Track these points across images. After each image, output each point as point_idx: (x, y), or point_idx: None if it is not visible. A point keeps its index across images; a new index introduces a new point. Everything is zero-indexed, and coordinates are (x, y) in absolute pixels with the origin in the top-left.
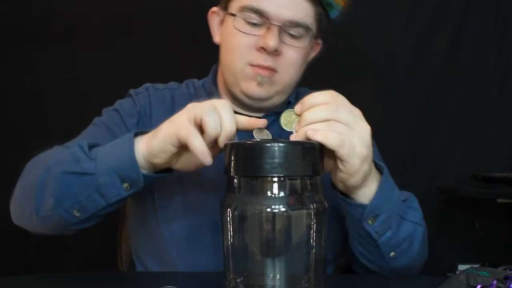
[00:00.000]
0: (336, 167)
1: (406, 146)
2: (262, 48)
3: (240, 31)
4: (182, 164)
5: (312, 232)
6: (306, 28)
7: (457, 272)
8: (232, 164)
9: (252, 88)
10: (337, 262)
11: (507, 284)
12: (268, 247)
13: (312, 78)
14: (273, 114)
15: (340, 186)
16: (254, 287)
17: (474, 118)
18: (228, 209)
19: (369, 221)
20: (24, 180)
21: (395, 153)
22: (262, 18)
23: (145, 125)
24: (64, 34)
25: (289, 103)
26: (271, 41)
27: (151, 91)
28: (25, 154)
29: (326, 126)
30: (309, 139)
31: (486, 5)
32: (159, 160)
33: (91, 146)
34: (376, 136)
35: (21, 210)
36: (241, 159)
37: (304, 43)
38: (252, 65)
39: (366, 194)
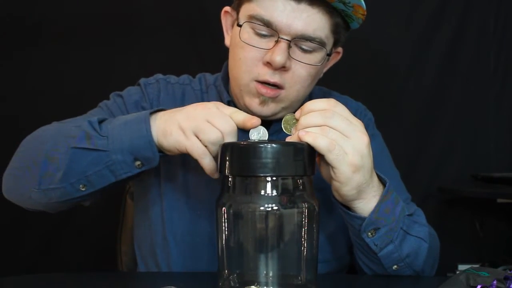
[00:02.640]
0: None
1: (406, 146)
2: (269, 63)
3: (247, 43)
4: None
5: (303, 230)
6: (320, 42)
7: (457, 272)
8: (226, 164)
9: (255, 106)
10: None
11: (507, 284)
12: (261, 244)
13: None
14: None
15: (336, 195)
16: (247, 284)
17: (474, 118)
18: (223, 208)
19: (369, 233)
20: (23, 153)
21: (395, 153)
22: (271, 31)
23: None
24: (64, 34)
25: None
26: (278, 57)
27: (162, 84)
28: None
29: (319, 130)
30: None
31: (486, 5)
32: (168, 152)
33: (100, 122)
34: None
35: (18, 183)
36: (236, 159)
37: (315, 58)
38: (257, 81)
39: (365, 206)
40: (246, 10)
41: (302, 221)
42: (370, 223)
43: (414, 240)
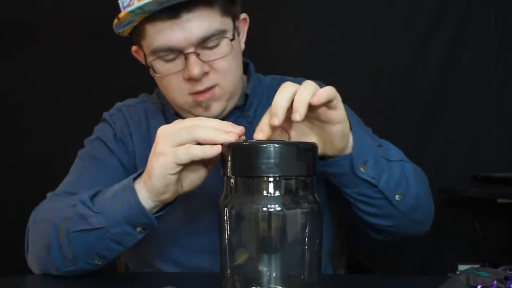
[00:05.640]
0: (321, 140)
1: (406, 146)
2: (191, 78)
3: (165, 75)
4: (188, 184)
5: (307, 230)
6: (219, 32)
7: (457, 272)
8: (229, 165)
9: (202, 113)
10: (336, 258)
11: (507, 284)
12: (264, 245)
13: (311, 78)
14: (236, 111)
15: (337, 144)
16: (250, 285)
17: (474, 118)
18: (225, 209)
19: (361, 169)
20: (34, 238)
21: None
22: (174, 53)
23: (127, 144)
24: (64, 34)
25: (246, 96)
26: (195, 70)
27: (124, 110)
28: (25, 153)
29: (312, 87)
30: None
31: (486, 5)
32: (167, 195)
33: (93, 196)
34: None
35: (43, 268)
36: (238, 159)
37: (225, 47)
38: (192, 94)
39: (347, 146)
40: (146, 47)
41: (306, 221)
42: (358, 156)
43: (397, 164)
